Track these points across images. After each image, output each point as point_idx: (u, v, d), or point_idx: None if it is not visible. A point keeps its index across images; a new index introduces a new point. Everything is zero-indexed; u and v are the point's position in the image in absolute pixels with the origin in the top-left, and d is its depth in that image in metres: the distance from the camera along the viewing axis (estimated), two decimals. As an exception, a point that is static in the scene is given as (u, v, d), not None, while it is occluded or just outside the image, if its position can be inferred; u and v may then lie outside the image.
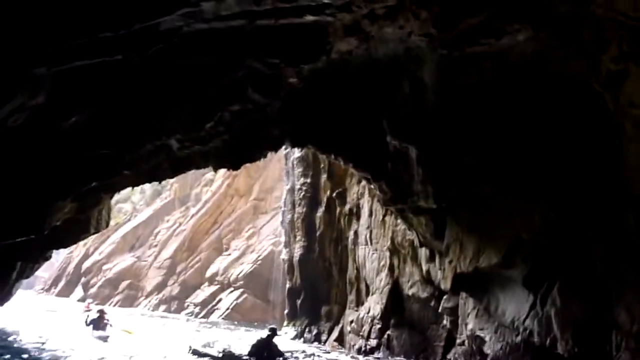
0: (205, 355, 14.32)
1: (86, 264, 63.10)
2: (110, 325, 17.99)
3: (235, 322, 38.27)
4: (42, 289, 67.94)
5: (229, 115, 12.84)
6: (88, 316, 18.73)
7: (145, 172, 13.49)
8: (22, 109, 9.34)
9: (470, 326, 13.69)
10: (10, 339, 13.64)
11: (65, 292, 60.84)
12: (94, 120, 11.11)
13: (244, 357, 13.62)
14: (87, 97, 10.43)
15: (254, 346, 13.47)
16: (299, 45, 11.83)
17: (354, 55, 13.29)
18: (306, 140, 15.09)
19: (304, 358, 13.50)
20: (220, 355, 14.28)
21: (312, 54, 12.38)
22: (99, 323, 17.79)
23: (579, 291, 10.88)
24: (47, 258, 15.78)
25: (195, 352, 14.53)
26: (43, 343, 13.81)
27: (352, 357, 17.28)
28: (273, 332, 13.77)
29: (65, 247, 15.60)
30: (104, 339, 16.87)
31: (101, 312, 18.53)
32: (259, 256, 47.17)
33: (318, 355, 12.76)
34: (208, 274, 50.36)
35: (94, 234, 15.96)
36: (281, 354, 13.51)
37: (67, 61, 8.85)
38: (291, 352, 13.65)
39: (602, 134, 10.42)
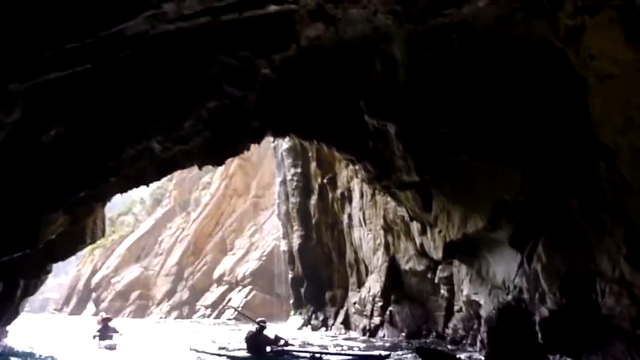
0: (203, 352, 14.54)
1: (95, 280, 63.47)
2: (118, 332, 17.62)
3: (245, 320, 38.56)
4: (54, 309, 68.35)
5: (207, 112, 13.05)
6: (96, 329, 18.06)
7: (132, 177, 13.73)
8: (0, 126, 9.59)
9: (465, 292, 13.99)
10: (17, 357, 13.87)
11: (78, 310, 61.23)
12: (74, 131, 11.32)
13: (238, 351, 13.92)
14: (64, 109, 10.66)
15: (245, 340, 13.82)
16: (267, 36, 12.01)
17: (323, 40, 13.48)
18: (287, 129, 15.34)
19: (299, 345, 13.71)
20: (218, 352, 14.47)
21: (281, 43, 12.58)
22: (104, 332, 17.42)
23: (562, 245, 11.17)
24: (48, 272, 16.04)
25: (195, 351, 14.73)
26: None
27: (348, 339, 17.50)
28: (261, 324, 14.02)
29: (63, 259, 15.80)
30: (112, 347, 16.53)
31: (105, 320, 18.19)
32: (263, 252, 47.52)
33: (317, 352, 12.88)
34: (215, 275, 50.73)
35: (90, 244, 16.21)
36: (272, 341, 13.66)
37: (38, 75, 9.07)
38: (285, 340, 13.73)
39: (568, 89, 10.65)
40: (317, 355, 12.65)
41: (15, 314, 17.04)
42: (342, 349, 14.66)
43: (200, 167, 15.01)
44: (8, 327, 17.55)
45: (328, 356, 12.67)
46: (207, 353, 14.03)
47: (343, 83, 14.64)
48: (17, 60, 8.69)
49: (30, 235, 11.58)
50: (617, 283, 9.81)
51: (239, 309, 44.37)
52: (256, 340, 13.57)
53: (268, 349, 13.35)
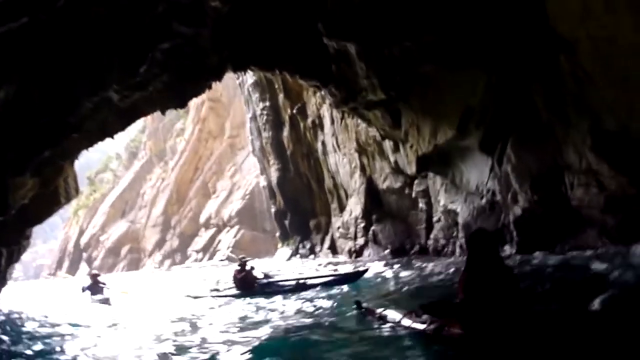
0: (198, 297, 14.91)
1: (83, 240, 63.73)
2: (107, 288, 17.37)
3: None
4: (48, 274, 68.78)
5: (161, 54, 12.60)
6: (83, 287, 17.69)
7: (95, 130, 13.37)
8: (-56, 93, 9.19)
9: (442, 202, 14.23)
10: (14, 320, 13.93)
11: (72, 272, 61.73)
12: (26, 90, 10.91)
13: (229, 291, 14.41)
14: (8, 69, 10.18)
15: (232, 279, 14.41)
16: (210, -35, 11.51)
17: (272, -36, 13.01)
18: (247, 63, 15.00)
19: (283, 280, 14.18)
20: (211, 294, 14.87)
21: (227, -29, 12.07)
22: (94, 288, 17.13)
23: (530, 144, 11.30)
24: (27, 237, 15.87)
25: (190, 297, 15.11)
26: (45, 317, 14.05)
27: (336, 263, 17.92)
28: (242, 260, 14.59)
29: (40, 222, 15.58)
30: (105, 301, 16.20)
31: (94, 276, 17.84)
32: (245, 191, 47.79)
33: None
34: (202, 219, 51.16)
35: (65, 204, 15.99)
36: (255, 277, 14.23)
37: (-30, 35, 8.60)
38: (265, 274, 14.26)
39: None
40: (301, 281, 13.19)
41: (2, 282, 17.01)
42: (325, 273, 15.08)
43: (162, 112, 14.69)
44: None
45: (311, 280, 13.15)
46: (201, 297, 14.34)
47: (298, 7, 14.22)
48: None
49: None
50: (584, 174, 10.01)
51: (229, 249, 45.12)
52: (242, 278, 14.12)
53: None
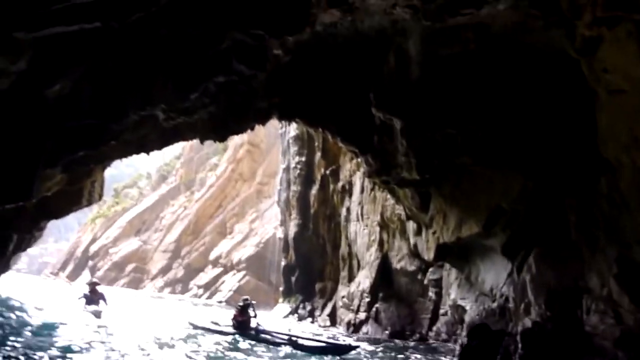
0: (198, 327, 15.12)
1: (93, 248, 63.94)
2: (104, 301, 16.98)
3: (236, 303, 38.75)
4: (50, 273, 68.86)
5: (214, 86, 12.97)
6: (84, 294, 17.37)
7: (133, 142, 13.68)
8: (5, 73, 9.54)
9: (452, 296, 13.89)
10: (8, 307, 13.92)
11: (73, 276, 61.63)
12: (79, 89, 11.28)
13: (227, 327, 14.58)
14: (71, 65, 10.57)
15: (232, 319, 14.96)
16: (282, 17, 11.92)
17: (339, 28, 13.44)
18: (294, 113, 15.27)
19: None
20: (213, 326, 15.09)
21: (296, 25, 12.46)
22: (90, 297, 16.82)
23: (553, 258, 11.05)
24: (41, 229, 16.03)
25: (192, 325, 15.39)
26: (30, 315, 13.98)
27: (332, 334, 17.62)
28: (245, 301, 14.95)
29: (57, 217, 15.76)
30: (97, 314, 15.95)
31: (93, 284, 17.51)
32: (261, 239, 47.60)
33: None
34: (212, 256, 50.93)
35: (86, 206, 16.17)
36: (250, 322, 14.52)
37: (45, 26, 9.00)
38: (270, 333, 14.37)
39: (578, 102, 10.51)
40: (294, 338, 13.36)
41: (5, 267, 17.08)
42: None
43: (202, 141, 14.96)
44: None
45: (303, 340, 13.34)
46: (201, 327, 14.62)
47: (354, 73, 14.57)
48: (25, 9, 8.65)
49: (25, 187, 11.52)
50: (603, 301, 9.68)
51: (230, 292, 44.59)
52: (241, 319, 14.70)
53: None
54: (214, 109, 13.68)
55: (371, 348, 14.02)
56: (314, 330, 18.09)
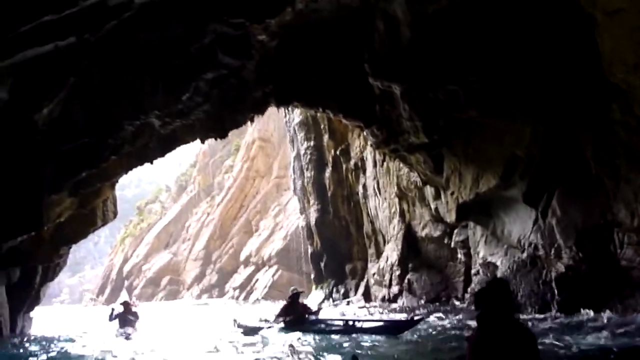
0: (246, 327, 14.44)
1: (126, 268, 64.70)
2: (138, 319, 16.26)
3: (273, 299, 38.87)
4: (90, 299, 69.95)
5: (205, 83, 12.75)
6: (112, 310, 16.67)
7: (134, 154, 13.55)
8: (-13, 106, 9.42)
9: (481, 254, 13.54)
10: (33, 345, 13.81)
11: (112, 299, 62.37)
12: (69, 110, 11.13)
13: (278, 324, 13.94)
14: (54, 87, 10.42)
15: (281, 312, 14.00)
16: (260, 0, 11.64)
17: (320, 3, 13.06)
18: (290, 98, 14.98)
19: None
20: (264, 325, 14.39)
21: (275, 7, 12.18)
22: (124, 318, 16.02)
23: (577, 197, 10.64)
24: (62, 256, 16.01)
25: (240, 326, 14.60)
26: (64, 343, 13.78)
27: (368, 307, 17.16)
28: (293, 292, 14.19)
29: (75, 242, 15.71)
30: (127, 336, 15.10)
31: (126, 304, 16.73)
32: (287, 232, 47.50)
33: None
34: (242, 257, 51.07)
35: (102, 226, 16.12)
36: (307, 310, 13.84)
37: (18, 50, 8.82)
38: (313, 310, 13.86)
39: (576, 33, 10.02)
40: (351, 322, 12.40)
41: (36, 300, 17.17)
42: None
43: (202, 141, 14.73)
44: (32, 314, 17.51)
45: (361, 323, 12.29)
46: (252, 327, 13.90)
47: (345, 47, 14.21)
48: (-6, 35, 8.47)
49: (33, 217, 11.46)
50: (636, 232, 9.26)
51: (266, 289, 44.65)
52: (292, 312, 13.71)
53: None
54: (208, 107, 13.45)
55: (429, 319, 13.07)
56: (354, 311, 17.81)
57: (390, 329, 11.47)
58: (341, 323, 12.72)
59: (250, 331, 13.70)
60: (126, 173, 14.46)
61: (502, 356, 3.96)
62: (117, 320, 16.29)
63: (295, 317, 13.59)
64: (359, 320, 12.76)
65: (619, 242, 9.60)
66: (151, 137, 13.23)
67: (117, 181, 15.14)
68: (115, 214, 16.44)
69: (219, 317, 20.77)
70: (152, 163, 14.17)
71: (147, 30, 10.94)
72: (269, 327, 13.77)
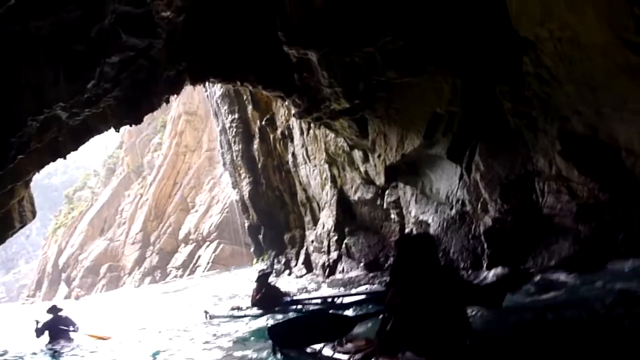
0: (217, 316, 13.89)
1: (62, 260, 62.48)
2: (73, 327, 14.09)
3: (216, 271, 38.62)
4: (27, 296, 67.25)
5: (111, 68, 11.98)
6: (37, 323, 14.11)
7: (44, 150, 12.71)
8: None
9: (413, 213, 13.70)
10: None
11: (50, 294, 60.33)
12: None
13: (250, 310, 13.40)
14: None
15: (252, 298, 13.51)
16: (157, -27, 10.94)
17: (225, -28, 12.47)
18: (206, 74, 14.40)
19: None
20: (235, 312, 13.84)
21: (176, -21, 11.52)
22: (55, 328, 13.85)
23: (498, 150, 10.83)
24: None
25: (212, 317, 14.01)
26: None
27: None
28: (263, 273, 13.84)
29: (-4, 246, 14.81)
30: (56, 354, 12.98)
31: (54, 309, 14.41)
32: (224, 204, 47.04)
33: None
34: (181, 235, 50.30)
35: (21, 227, 15.17)
36: (280, 293, 13.46)
37: None
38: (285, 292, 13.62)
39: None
40: (330, 299, 11.97)
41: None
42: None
43: (117, 130, 13.89)
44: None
45: (341, 299, 11.79)
46: (221, 317, 13.34)
47: (257, 16, 13.69)
48: None
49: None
50: (555, 180, 9.53)
51: (209, 265, 44.23)
52: (262, 296, 13.15)
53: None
54: (119, 93, 12.70)
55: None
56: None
57: (371, 300, 11.00)
58: (319, 301, 12.27)
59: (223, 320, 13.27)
60: (38, 171, 13.59)
61: (427, 301, 4.02)
62: (47, 333, 14.03)
63: (268, 300, 13.00)
64: (338, 296, 12.26)
65: (540, 191, 9.87)
66: (60, 131, 12.41)
67: (30, 179, 14.21)
68: (34, 213, 15.49)
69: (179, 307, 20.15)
70: (65, 158, 13.35)
71: (37, 16, 10.08)
72: (244, 316, 13.16)
